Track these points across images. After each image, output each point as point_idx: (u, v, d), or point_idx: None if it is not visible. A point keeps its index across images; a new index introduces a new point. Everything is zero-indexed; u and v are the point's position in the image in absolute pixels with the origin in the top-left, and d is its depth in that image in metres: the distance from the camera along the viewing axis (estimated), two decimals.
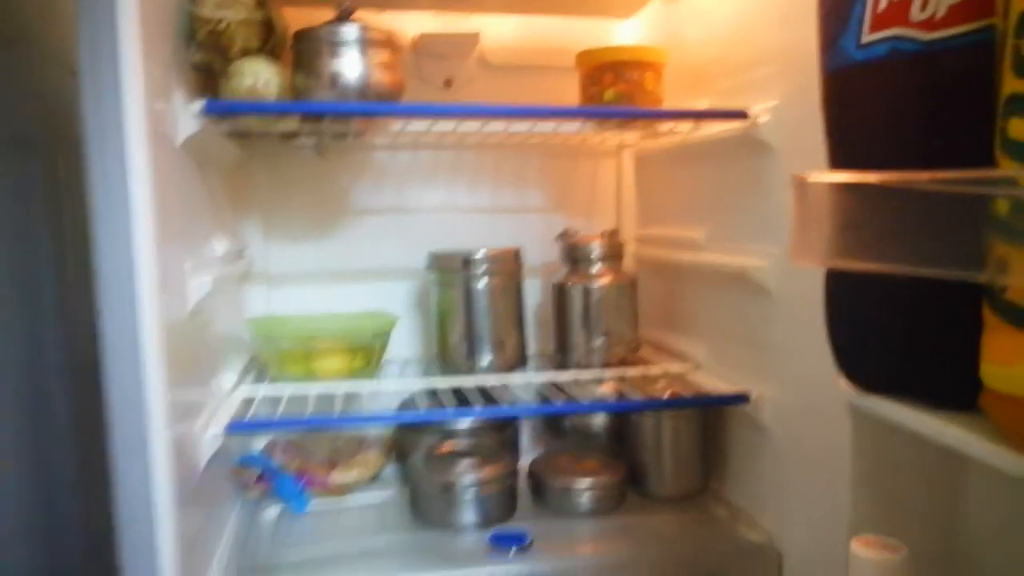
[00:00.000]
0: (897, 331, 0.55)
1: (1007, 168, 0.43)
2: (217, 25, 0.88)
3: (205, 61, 0.91)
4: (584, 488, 1.01)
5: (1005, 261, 0.42)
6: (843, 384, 0.62)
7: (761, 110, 0.93)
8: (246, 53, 0.94)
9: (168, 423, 0.71)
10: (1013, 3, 0.42)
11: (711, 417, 1.10)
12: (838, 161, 0.60)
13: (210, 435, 0.86)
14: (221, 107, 0.88)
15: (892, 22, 0.51)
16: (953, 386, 0.53)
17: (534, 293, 1.34)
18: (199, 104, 0.84)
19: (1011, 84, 0.43)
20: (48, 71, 1.00)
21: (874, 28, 0.53)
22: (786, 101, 0.90)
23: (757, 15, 0.96)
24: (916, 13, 0.50)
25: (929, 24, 0.50)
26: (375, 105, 0.96)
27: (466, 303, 1.14)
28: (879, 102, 0.54)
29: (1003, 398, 0.45)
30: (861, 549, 0.61)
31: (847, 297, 0.60)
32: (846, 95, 0.57)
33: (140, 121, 0.70)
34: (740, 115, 0.95)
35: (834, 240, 0.56)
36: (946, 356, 0.53)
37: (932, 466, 0.66)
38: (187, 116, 0.84)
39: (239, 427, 0.88)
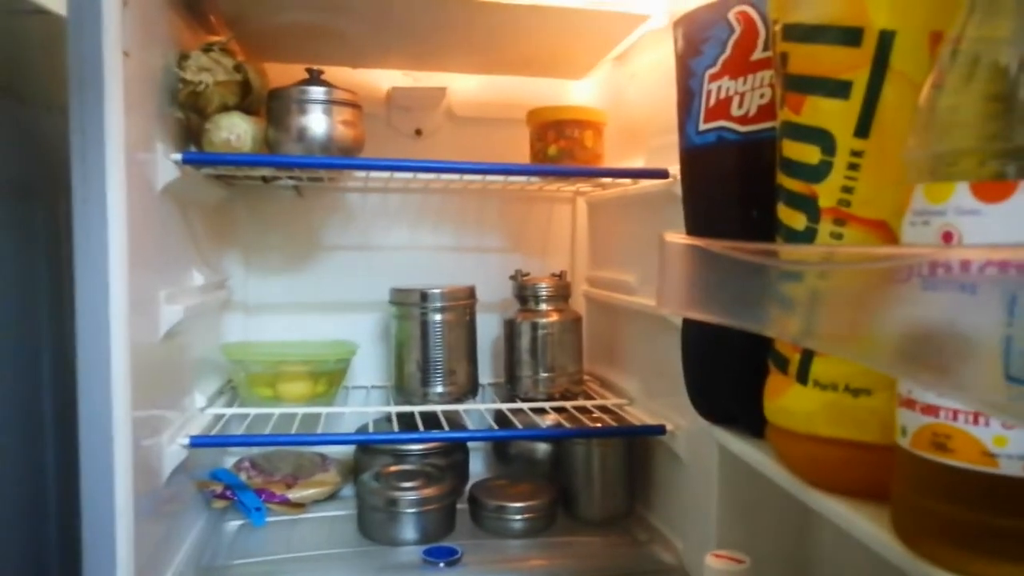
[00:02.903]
0: (726, 372, 0.65)
1: (777, 243, 0.54)
2: (197, 87, 1.00)
3: (187, 117, 1.03)
4: (516, 509, 1.10)
5: (771, 317, 0.52)
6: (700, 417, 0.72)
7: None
8: (225, 109, 1.07)
9: (132, 433, 0.82)
10: (779, 113, 0.53)
11: (637, 447, 1.19)
12: (692, 225, 0.70)
13: (174, 448, 0.97)
14: (197, 158, 1.00)
15: (718, 116, 0.62)
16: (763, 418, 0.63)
17: (492, 327, 1.44)
18: (178, 155, 0.97)
19: (779, 177, 0.53)
20: (51, 119, 1.13)
21: (707, 119, 0.64)
22: None
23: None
24: (735, 110, 0.61)
25: (744, 119, 0.61)
26: (336, 159, 1.08)
27: (422, 335, 1.25)
28: (712, 178, 0.64)
29: (772, 427, 0.55)
30: (712, 561, 0.70)
31: (694, 342, 0.70)
32: (692, 171, 0.68)
33: (120, 170, 0.81)
34: (662, 174, 1.06)
35: (684, 292, 0.66)
36: (758, 393, 0.63)
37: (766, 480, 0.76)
38: (167, 165, 0.96)
39: (201, 441, 0.99)
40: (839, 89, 0.47)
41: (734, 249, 0.56)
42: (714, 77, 0.62)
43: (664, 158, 1.09)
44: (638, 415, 1.17)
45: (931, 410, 0.42)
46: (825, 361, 0.50)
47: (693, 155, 0.65)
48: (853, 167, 0.47)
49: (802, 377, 0.51)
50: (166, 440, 0.95)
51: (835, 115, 0.48)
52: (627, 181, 1.22)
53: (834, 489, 0.52)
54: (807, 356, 0.51)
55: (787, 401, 0.52)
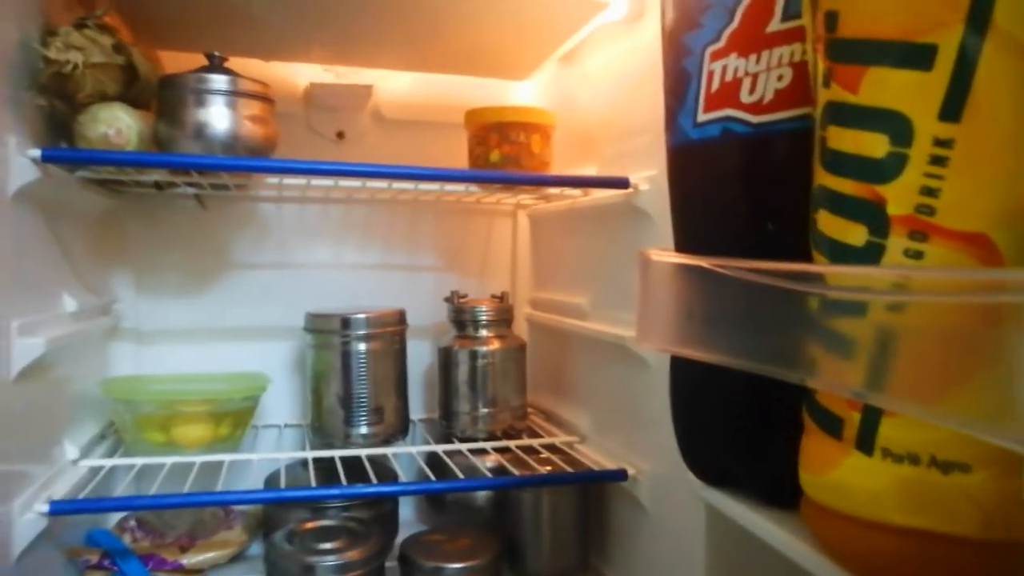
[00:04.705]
0: (730, 424, 0.52)
1: (818, 263, 0.41)
2: (63, 67, 0.82)
3: (50, 105, 0.85)
4: (455, 572, 0.94)
5: (814, 361, 0.39)
6: (690, 475, 0.59)
7: (641, 178, 0.92)
8: (103, 99, 0.89)
9: None
10: (819, 94, 0.40)
11: (592, 492, 1.06)
12: (681, 241, 0.57)
13: (29, 517, 0.77)
14: (62, 155, 0.82)
15: (724, 103, 0.50)
16: (784, 484, 0.50)
17: (423, 355, 1.29)
18: (36, 152, 0.78)
19: (819, 175, 0.41)
20: None
21: (708, 108, 0.51)
22: (663, 171, 0.88)
23: (637, 81, 0.95)
24: (745, 95, 0.49)
25: (757, 107, 0.48)
26: (241, 160, 0.91)
27: (343, 367, 1.08)
28: (714, 182, 0.52)
29: (816, 506, 0.42)
30: None
31: (686, 385, 0.57)
32: (684, 174, 0.55)
33: None
34: (622, 183, 0.93)
35: (672, 324, 0.53)
36: (777, 453, 0.50)
37: (778, 557, 0.63)
38: (22, 163, 0.77)
39: (65, 507, 0.80)
40: (917, 56, 0.35)
41: (756, 271, 0.43)
42: (717, 55, 0.49)
43: (620, 166, 0.97)
44: (592, 455, 1.03)
45: None
46: (899, 423, 0.37)
47: (687, 153, 0.52)
48: (938, 161, 0.35)
49: (865, 444, 0.38)
50: (18, 508, 0.76)
51: (911, 92, 0.35)
52: (576, 192, 1.09)
53: None
54: (872, 416, 0.38)
55: (842, 475, 0.39)
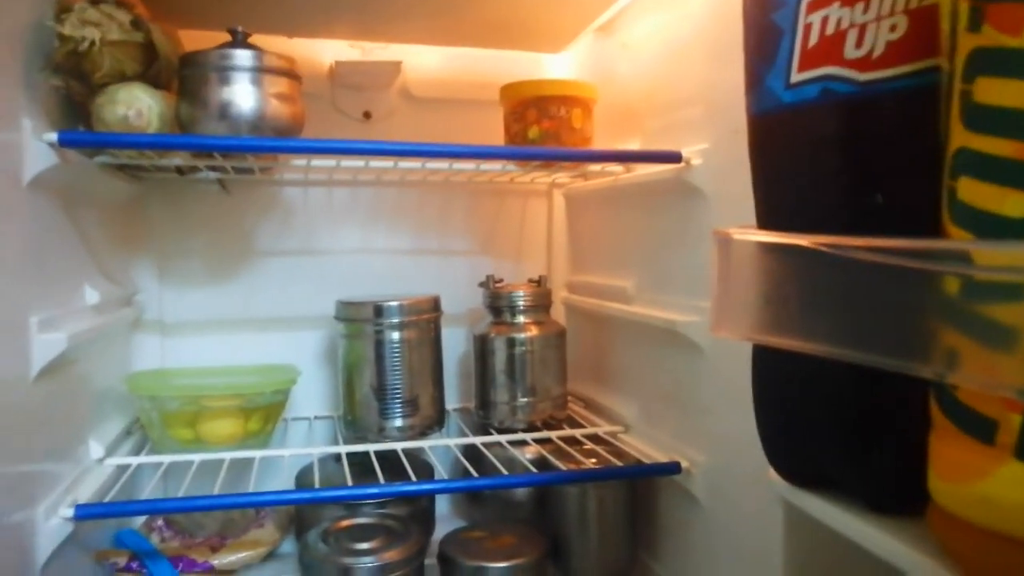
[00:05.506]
0: (832, 422, 0.46)
1: (956, 237, 0.35)
2: (79, 45, 0.77)
3: (67, 86, 0.80)
4: (499, 572, 0.89)
5: (956, 353, 0.34)
6: (772, 474, 0.54)
7: (692, 152, 0.86)
8: (121, 79, 0.84)
9: None
10: (960, 41, 0.34)
11: (640, 486, 1.00)
12: (766, 217, 0.51)
13: (54, 523, 0.73)
14: (80, 139, 0.76)
15: (824, 60, 0.44)
16: (895, 489, 0.45)
17: (457, 343, 1.24)
18: (52, 135, 0.73)
19: (960, 137, 0.35)
20: None
21: (804, 66, 0.45)
22: (717, 145, 0.82)
23: (685, 50, 0.89)
24: (851, 50, 0.43)
25: (865, 63, 0.42)
26: (268, 141, 0.86)
27: (376, 357, 1.03)
28: (810, 151, 0.45)
29: (953, 519, 0.37)
30: None
31: (775, 377, 0.51)
32: (773, 142, 0.49)
33: None
34: (674, 158, 0.87)
35: (759, 310, 0.47)
36: (889, 453, 0.44)
37: (873, 567, 0.58)
38: (39, 148, 0.73)
39: (92, 512, 0.75)
40: None
41: (874, 250, 0.37)
42: (816, 5, 0.43)
43: (667, 141, 0.91)
44: (639, 446, 0.98)
45: None
46: None
47: (777, 119, 0.46)
48: None
49: None
50: (42, 513, 0.72)
51: None
52: (618, 169, 1.03)
53: None
54: None
55: (994, 487, 0.33)
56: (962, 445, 0.35)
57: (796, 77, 0.45)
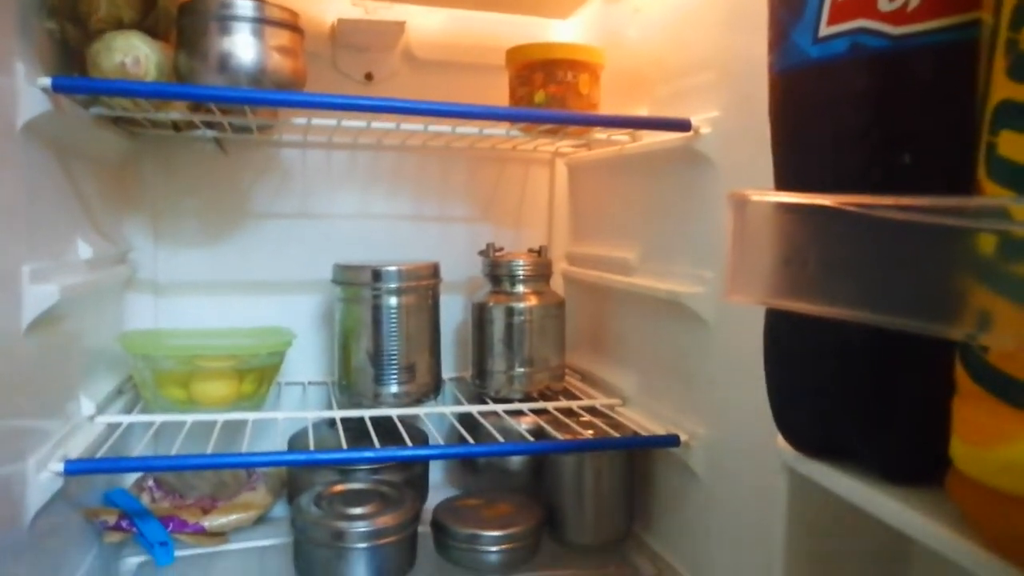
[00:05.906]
0: (848, 388, 0.45)
1: (993, 194, 0.34)
2: None
3: (62, 30, 0.77)
4: (493, 539, 0.89)
5: (988, 314, 0.32)
6: (780, 442, 0.53)
7: (702, 120, 0.84)
8: (118, 26, 0.81)
9: None
10: None
11: (637, 458, 1.00)
12: (785, 179, 0.50)
13: (45, 477, 0.72)
14: (75, 85, 0.74)
15: (856, 12, 0.42)
16: (910, 458, 0.44)
17: (455, 311, 1.23)
18: (46, 80, 0.71)
19: (1003, 88, 0.33)
20: None
21: (834, 19, 0.43)
22: (727, 112, 0.81)
23: (698, 13, 0.87)
24: (884, 2, 0.41)
25: (900, 16, 0.40)
26: (270, 93, 0.83)
27: (373, 322, 1.02)
28: (837, 108, 0.44)
29: (976, 485, 0.36)
30: None
31: (789, 342, 0.50)
32: (798, 99, 0.47)
33: None
34: (683, 125, 0.85)
35: (776, 273, 0.46)
36: (905, 421, 0.43)
37: (877, 539, 0.57)
38: (32, 93, 0.70)
39: (82, 467, 0.74)
40: None
41: (907, 207, 0.35)
42: None
43: (676, 108, 0.89)
44: (637, 419, 0.97)
45: None
46: None
47: (804, 75, 0.45)
48: None
49: None
50: (32, 466, 0.70)
51: None
52: (624, 137, 1.02)
53: None
54: None
55: (1018, 452, 0.32)
56: (989, 409, 0.34)
57: (825, 31, 0.43)
